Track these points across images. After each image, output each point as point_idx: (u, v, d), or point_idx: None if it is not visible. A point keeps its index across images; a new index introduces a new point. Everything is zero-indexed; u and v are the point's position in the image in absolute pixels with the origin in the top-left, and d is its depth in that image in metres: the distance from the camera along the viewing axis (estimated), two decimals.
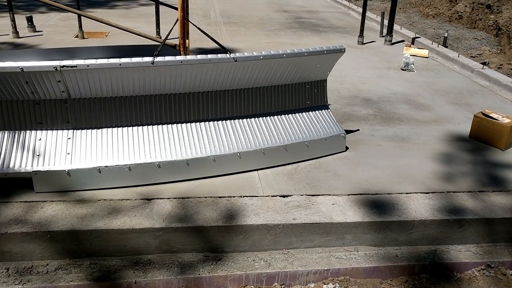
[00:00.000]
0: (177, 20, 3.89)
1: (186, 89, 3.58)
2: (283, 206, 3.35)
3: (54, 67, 3.13)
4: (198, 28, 4.10)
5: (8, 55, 6.16)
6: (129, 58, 3.29)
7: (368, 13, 11.58)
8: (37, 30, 8.32)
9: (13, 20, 7.68)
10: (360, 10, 12.08)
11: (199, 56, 3.42)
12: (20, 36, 7.84)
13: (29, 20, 8.18)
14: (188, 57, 3.40)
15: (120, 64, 3.24)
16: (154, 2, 8.44)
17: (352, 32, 9.62)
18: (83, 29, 7.95)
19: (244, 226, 3.15)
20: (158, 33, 8.03)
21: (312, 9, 12.47)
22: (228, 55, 3.49)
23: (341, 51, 3.96)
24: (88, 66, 3.19)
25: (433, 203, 3.48)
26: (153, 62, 3.29)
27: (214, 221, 3.15)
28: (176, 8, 5.34)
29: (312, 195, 3.50)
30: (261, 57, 3.59)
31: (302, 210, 3.31)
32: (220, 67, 3.51)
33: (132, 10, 11.04)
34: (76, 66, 3.16)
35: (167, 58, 3.36)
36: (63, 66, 3.15)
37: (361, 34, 8.49)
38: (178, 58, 3.38)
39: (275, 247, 3.24)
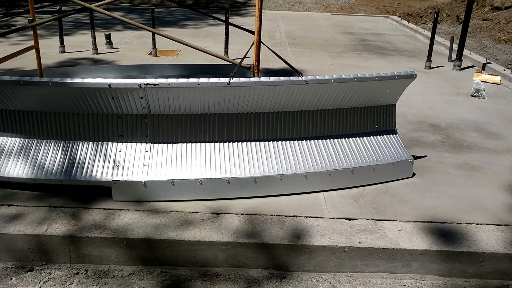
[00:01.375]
0: (253, 43, 4.04)
1: (257, 109, 3.70)
2: (349, 229, 3.36)
3: (138, 85, 3.36)
4: (273, 52, 4.25)
5: (88, 70, 6.62)
6: (207, 79, 3.47)
7: (436, 37, 11.37)
8: (114, 47, 8.86)
9: (93, 37, 8.24)
10: (427, 33, 11.90)
11: (272, 78, 3.55)
12: (99, 52, 8.39)
13: (108, 37, 8.74)
14: (262, 78, 3.53)
15: (198, 84, 3.42)
16: (222, 23, 8.78)
17: (419, 56, 9.47)
18: (156, 47, 8.37)
19: (310, 246, 3.19)
20: (226, 52, 8.30)
21: (378, 31, 12.41)
22: (299, 77, 3.59)
23: (412, 76, 3.95)
24: (169, 84, 3.39)
25: (506, 236, 3.36)
26: (229, 83, 3.45)
27: (280, 239, 3.22)
28: (249, 31, 5.56)
29: (378, 220, 3.48)
30: (332, 80, 3.66)
31: (367, 234, 3.31)
32: (292, 89, 3.61)
33: (201, 30, 11.49)
34: (158, 84, 3.38)
35: (242, 79, 3.51)
36: (146, 84, 3.37)
37: (429, 59, 8.34)
38: (252, 79, 3.52)
39: (339, 269, 3.25)
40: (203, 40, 10.12)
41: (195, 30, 11.41)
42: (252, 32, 5.64)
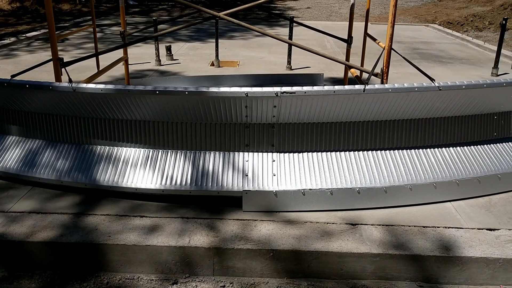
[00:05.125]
0: (383, 50, 3.97)
1: (387, 116, 3.62)
2: (495, 240, 3.24)
3: (275, 93, 3.31)
4: (404, 58, 4.19)
5: (163, 81, 6.63)
6: (342, 86, 3.40)
7: (487, 44, 11.23)
8: (174, 58, 8.88)
9: (157, 49, 8.27)
10: (476, 41, 11.78)
11: (406, 84, 3.46)
12: (161, 64, 8.41)
13: (168, 49, 8.77)
14: (396, 85, 3.45)
15: (334, 91, 3.35)
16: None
17: (478, 63, 9.32)
18: (219, 59, 8.37)
19: (462, 258, 3.07)
20: (289, 62, 8.26)
21: (426, 40, 12.29)
22: (433, 83, 3.50)
23: None
24: (305, 92, 3.33)
25: None
26: (364, 90, 3.37)
27: (430, 251, 3.11)
28: (342, 39, 5.53)
29: None
30: (463, 87, 3.56)
31: None
32: (424, 96, 3.52)
33: (250, 41, 11.49)
34: (295, 93, 3.32)
35: (376, 86, 3.43)
36: (283, 92, 3.31)
37: (496, 66, 8.19)
38: (386, 86, 3.44)
39: (491, 282, 3.12)
40: (257, 51, 10.11)
41: (245, 41, 11.41)
42: (345, 40, 5.63)
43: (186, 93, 3.33)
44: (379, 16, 17.33)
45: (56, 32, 10.76)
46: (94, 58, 5.01)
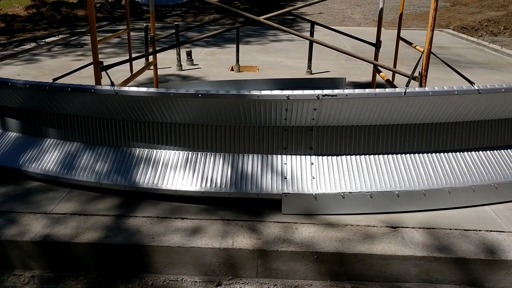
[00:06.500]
0: (422, 54, 3.98)
1: (426, 119, 3.62)
2: None
3: (316, 96, 3.32)
4: (443, 62, 4.22)
5: (187, 85, 6.67)
6: (383, 89, 3.41)
7: (503, 49, 11.19)
8: (194, 63, 8.93)
9: (178, 54, 8.33)
10: (493, 46, 11.73)
11: (445, 88, 3.47)
12: (182, 69, 8.46)
13: (189, 54, 8.82)
14: (436, 88, 3.45)
15: (375, 94, 3.36)
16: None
17: (497, 68, 9.30)
18: (239, 63, 8.41)
19: (508, 261, 3.06)
20: (309, 67, 8.28)
21: (441, 45, 12.27)
22: (472, 86, 3.50)
23: None
24: (346, 95, 3.35)
25: None
26: (405, 93, 3.38)
27: (474, 254, 3.10)
28: (371, 44, 5.54)
29: None
30: (503, 90, 3.56)
31: None
32: (464, 99, 3.52)
33: (267, 46, 11.53)
34: (336, 95, 3.33)
35: (417, 89, 3.44)
36: (324, 95, 3.32)
37: None
38: (427, 89, 3.44)
39: None
40: (275, 56, 10.14)
41: (261, 46, 11.45)
42: (373, 44, 5.64)
43: (228, 96, 3.35)
44: (392, 21, 17.33)
45: (75, 37, 10.72)
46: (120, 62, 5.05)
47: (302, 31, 14.28)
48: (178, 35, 7.70)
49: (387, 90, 3.40)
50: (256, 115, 3.48)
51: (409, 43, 5.15)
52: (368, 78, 8.26)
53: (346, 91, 3.36)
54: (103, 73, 3.97)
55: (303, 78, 7.56)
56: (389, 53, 10.86)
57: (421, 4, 21.09)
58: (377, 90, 3.38)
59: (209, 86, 6.75)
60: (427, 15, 18.35)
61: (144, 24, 9.11)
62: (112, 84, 3.51)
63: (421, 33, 14.57)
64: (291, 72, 8.53)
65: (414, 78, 3.99)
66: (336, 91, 3.34)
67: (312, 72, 8.34)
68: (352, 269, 3.12)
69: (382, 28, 6.11)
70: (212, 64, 9.11)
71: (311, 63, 8.32)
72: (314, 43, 8.27)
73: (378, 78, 6.20)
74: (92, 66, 4.01)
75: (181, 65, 8.41)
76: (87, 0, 3.72)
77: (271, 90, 3.44)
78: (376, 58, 5.86)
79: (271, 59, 9.83)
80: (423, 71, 3.91)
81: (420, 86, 3.98)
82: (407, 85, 3.42)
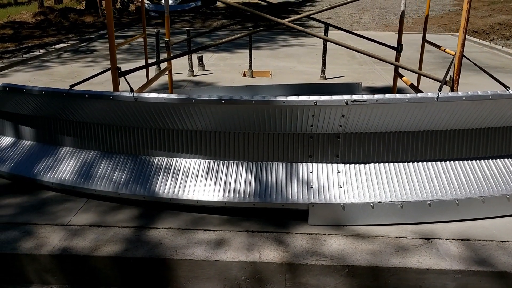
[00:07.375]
0: (453, 57, 3.85)
1: (458, 125, 3.47)
2: None
3: (345, 101, 3.18)
4: (476, 65, 4.11)
5: (200, 91, 6.54)
6: (415, 94, 3.27)
7: None
8: (205, 69, 8.82)
9: (190, 59, 8.22)
10: (507, 49, 11.56)
11: (479, 92, 3.32)
12: (194, 74, 8.34)
13: (200, 59, 8.71)
14: (470, 92, 3.30)
15: (407, 100, 3.21)
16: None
17: None
18: (252, 69, 8.28)
19: None
20: (323, 72, 8.14)
21: (454, 48, 12.04)
22: (508, 91, 3.35)
23: None
24: (376, 100, 3.20)
25: None
26: (437, 98, 3.23)
27: None
28: (391, 47, 5.41)
29: None
30: None
31: None
32: (499, 104, 3.37)
33: (277, 51, 11.42)
34: (365, 101, 3.19)
35: (450, 94, 3.29)
36: (353, 101, 3.18)
37: None
38: (460, 93, 3.29)
39: None
40: (287, 61, 10.02)
41: (272, 51, 11.34)
42: (394, 48, 5.50)
43: (253, 102, 3.22)
44: (404, 25, 17.17)
45: (84, 44, 10.65)
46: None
47: (308, 36, 14.17)
48: (190, 41, 7.59)
49: (419, 95, 3.26)
50: (281, 122, 3.34)
51: (437, 46, 5.01)
52: (383, 83, 8.12)
53: (376, 96, 3.21)
54: (119, 79, 3.85)
55: (317, 84, 7.43)
56: (404, 57, 10.73)
57: (430, 7, 20.95)
58: (409, 95, 3.23)
59: (223, 92, 6.62)
60: (437, 19, 18.22)
61: (155, 30, 9.01)
62: (132, 90, 3.39)
63: (431, 37, 14.35)
64: (304, 77, 8.40)
65: (445, 83, 3.84)
66: (365, 96, 3.20)
67: (326, 77, 8.20)
68: (386, 284, 2.96)
69: (392, 32, 5.97)
70: (224, 70, 9.00)
71: (325, 68, 8.18)
72: (327, 48, 8.15)
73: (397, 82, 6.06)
74: (106, 72, 3.89)
75: (192, 71, 8.30)
76: (105, 5, 3.60)
77: (286, 96, 3.31)
78: (397, 61, 5.70)
79: (283, 64, 9.71)
80: (455, 75, 3.76)
81: (452, 90, 3.83)
82: (439, 90, 3.28)
